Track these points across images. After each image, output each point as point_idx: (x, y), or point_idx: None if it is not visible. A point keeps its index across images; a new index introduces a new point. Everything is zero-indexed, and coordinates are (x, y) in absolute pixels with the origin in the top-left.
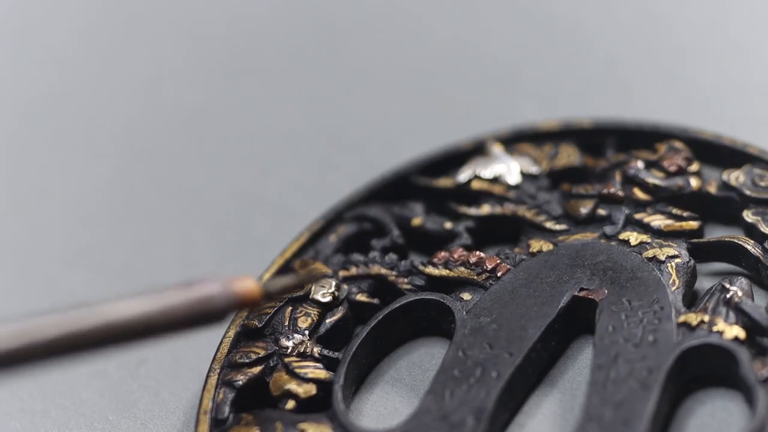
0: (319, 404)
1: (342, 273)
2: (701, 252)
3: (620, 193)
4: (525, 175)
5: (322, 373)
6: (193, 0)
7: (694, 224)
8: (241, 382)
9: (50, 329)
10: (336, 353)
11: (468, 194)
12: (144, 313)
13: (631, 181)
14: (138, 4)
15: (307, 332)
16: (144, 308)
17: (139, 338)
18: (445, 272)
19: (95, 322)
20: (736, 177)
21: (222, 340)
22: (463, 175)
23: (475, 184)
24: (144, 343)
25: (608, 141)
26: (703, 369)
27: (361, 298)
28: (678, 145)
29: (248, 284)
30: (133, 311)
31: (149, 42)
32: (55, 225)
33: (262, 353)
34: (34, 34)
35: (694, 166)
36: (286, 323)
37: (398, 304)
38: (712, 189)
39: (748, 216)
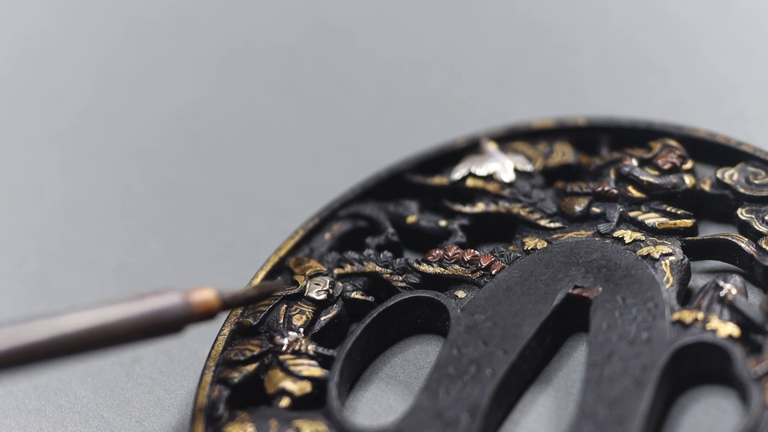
0: (313, 402)
1: (337, 271)
2: (695, 250)
3: (614, 191)
4: (519, 173)
5: (316, 371)
6: None
7: (688, 222)
8: (236, 380)
9: (7, 340)
10: (331, 351)
11: (462, 192)
12: (101, 324)
13: (625, 178)
14: (133, 3)
15: (302, 330)
16: (101, 318)
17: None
18: (439, 270)
19: (52, 333)
20: (730, 175)
21: (217, 337)
22: (458, 173)
23: (470, 182)
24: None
25: (602, 139)
26: (697, 366)
27: (356, 295)
28: (672, 143)
29: (207, 294)
30: (89, 321)
31: (143, 40)
32: (49, 224)
33: (257, 351)
34: (27, 31)
35: (689, 164)
36: (281, 321)
37: (393, 302)
38: (707, 187)
39: (742, 214)
